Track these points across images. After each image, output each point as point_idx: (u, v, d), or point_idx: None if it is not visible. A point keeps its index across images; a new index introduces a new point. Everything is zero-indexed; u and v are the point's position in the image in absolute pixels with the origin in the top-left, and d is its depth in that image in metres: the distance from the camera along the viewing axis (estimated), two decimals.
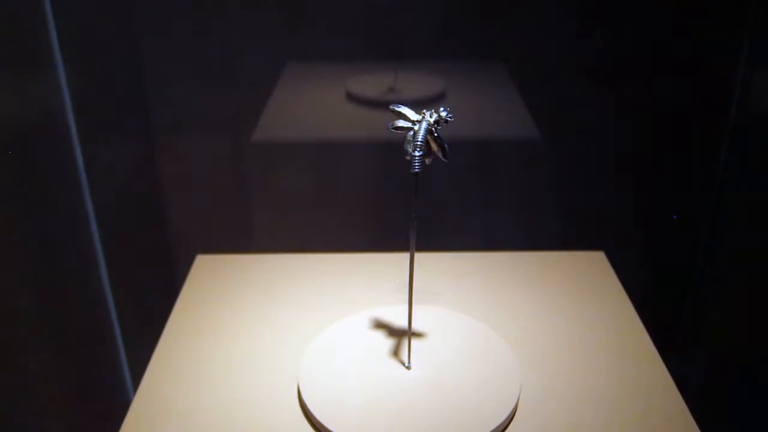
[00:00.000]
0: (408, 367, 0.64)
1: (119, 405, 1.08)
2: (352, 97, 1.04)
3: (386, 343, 0.68)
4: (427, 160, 0.58)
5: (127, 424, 0.61)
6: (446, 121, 0.58)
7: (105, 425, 0.78)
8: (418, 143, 0.56)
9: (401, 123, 0.59)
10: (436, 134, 0.58)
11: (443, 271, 0.82)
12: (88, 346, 1.05)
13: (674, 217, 1.09)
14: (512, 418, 0.61)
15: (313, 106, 1.04)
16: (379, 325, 0.70)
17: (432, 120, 0.58)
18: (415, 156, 0.56)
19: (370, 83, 1.04)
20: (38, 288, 0.91)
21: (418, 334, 0.69)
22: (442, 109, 0.58)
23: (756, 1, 0.94)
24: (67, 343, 0.98)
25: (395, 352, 0.66)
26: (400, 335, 0.68)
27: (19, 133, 0.86)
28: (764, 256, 0.94)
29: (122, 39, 0.99)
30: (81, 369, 1.02)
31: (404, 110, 0.59)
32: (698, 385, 1.06)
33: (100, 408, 1.05)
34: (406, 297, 0.64)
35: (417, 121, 0.58)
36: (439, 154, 0.59)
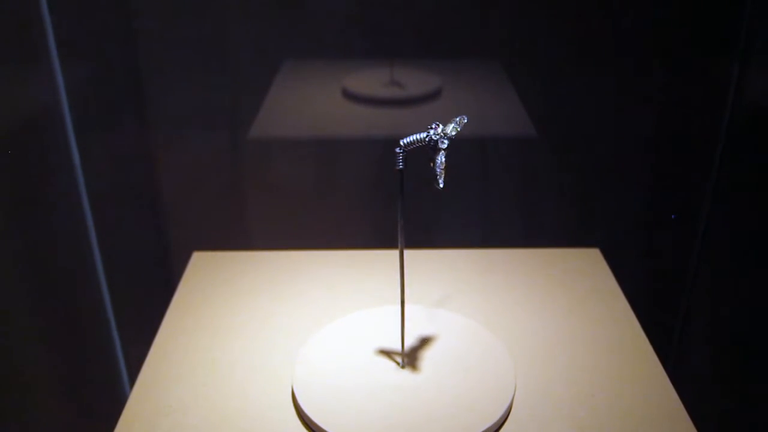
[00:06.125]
0: (402, 366, 0.64)
1: (116, 402, 1.08)
2: (348, 94, 1.04)
3: (380, 342, 0.68)
4: (439, 177, 0.56)
5: (123, 421, 0.61)
6: (442, 139, 0.56)
7: (101, 422, 0.78)
8: (402, 142, 0.56)
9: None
10: (434, 154, 0.56)
11: (439, 268, 0.82)
12: (84, 343, 1.05)
13: (673, 216, 1.09)
14: (507, 417, 0.61)
15: (310, 103, 1.04)
16: (374, 324, 0.70)
17: (432, 134, 0.56)
18: (396, 152, 0.56)
19: (367, 80, 1.04)
20: (34, 285, 0.91)
21: (412, 333, 0.69)
22: (449, 130, 0.56)
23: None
24: (64, 340, 0.98)
25: (389, 352, 0.66)
26: (394, 334, 0.68)
27: (14, 129, 0.86)
28: (761, 254, 0.94)
29: (118, 35, 0.98)
30: (78, 366, 1.02)
31: (457, 119, 0.57)
32: (694, 383, 1.06)
33: (97, 405, 1.05)
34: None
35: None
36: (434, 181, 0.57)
